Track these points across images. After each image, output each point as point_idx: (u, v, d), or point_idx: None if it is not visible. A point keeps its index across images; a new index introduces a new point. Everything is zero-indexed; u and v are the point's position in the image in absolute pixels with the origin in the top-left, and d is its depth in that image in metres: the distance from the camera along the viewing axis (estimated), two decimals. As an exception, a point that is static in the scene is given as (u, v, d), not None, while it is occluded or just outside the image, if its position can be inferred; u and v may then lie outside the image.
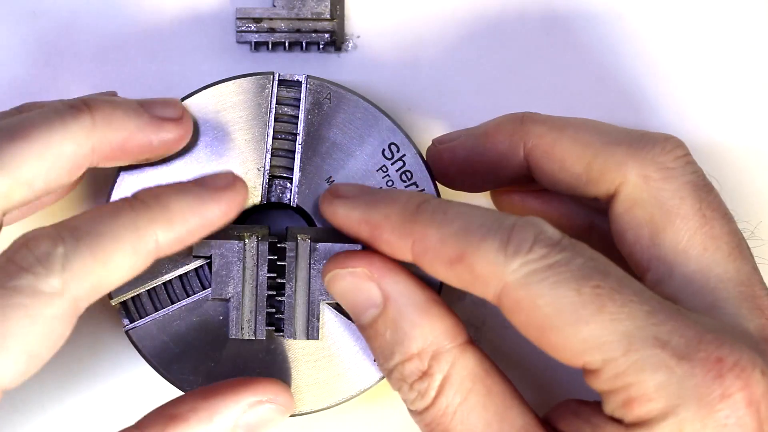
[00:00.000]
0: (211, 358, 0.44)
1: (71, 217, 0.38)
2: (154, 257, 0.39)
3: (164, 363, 0.44)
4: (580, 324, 0.35)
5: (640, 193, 0.39)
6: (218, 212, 0.40)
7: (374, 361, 0.44)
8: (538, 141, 0.41)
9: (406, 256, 0.39)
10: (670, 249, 0.39)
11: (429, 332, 0.39)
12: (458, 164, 0.44)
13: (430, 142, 0.45)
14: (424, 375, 0.39)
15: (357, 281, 0.40)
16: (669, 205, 0.39)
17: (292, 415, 0.44)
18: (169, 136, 0.41)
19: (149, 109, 0.41)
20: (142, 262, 0.38)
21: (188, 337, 0.43)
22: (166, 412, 0.40)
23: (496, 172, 0.43)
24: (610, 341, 0.35)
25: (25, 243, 0.37)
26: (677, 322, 0.36)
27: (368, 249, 0.41)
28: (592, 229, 0.45)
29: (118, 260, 0.37)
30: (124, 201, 0.39)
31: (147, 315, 0.44)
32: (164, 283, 0.44)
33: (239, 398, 0.41)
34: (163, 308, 0.44)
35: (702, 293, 0.38)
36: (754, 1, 0.48)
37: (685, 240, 0.39)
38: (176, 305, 0.44)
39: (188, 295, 0.44)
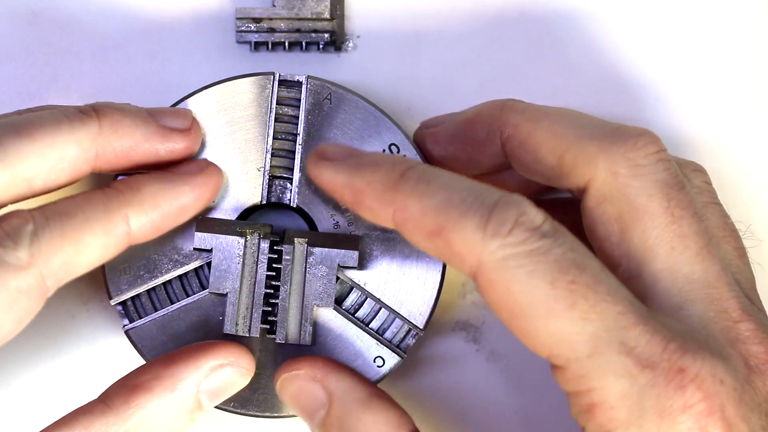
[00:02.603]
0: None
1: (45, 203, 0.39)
2: (127, 242, 0.39)
3: (163, 363, 0.43)
4: (550, 317, 0.35)
5: (609, 189, 0.39)
6: (191, 196, 0.41)
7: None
8: (514, 131, 0.41)
9: (388, 224, 0.38)
10: (638, 246, 0.38)
11: (372, 425, 0.40)
12: (441, 149, 0.44)
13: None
14: None
15: (302, 384, 0.41)
16: (637, 202, 0.38)
17: (291, 417, 0.44)
18: (176, 146, 0.42)
19: (158, 118, 0.42)
20: (113, 245, 0.39)
21: (188, 337, 0.43)
22: (129, 383, 0.40)
23: (477, 159, 0.43)
24: (577, 340, 0.35)
25: None
26: (646, 326, 0.35)
27: (315, 354, 0.43)
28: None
29: (88, 240, 0.38)
30: (97, 188, 0.40)
31: (147, 315, 0.44)
32: (164, 283, 0.44)
33: (201, 363, 0.41)
34: (163, 308, 0.44)
35: (670, 293, 0.38)
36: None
37: (653, 238, 0.38)
38: (176, 305, 0.44)
39: (188, 295, 0.44)
